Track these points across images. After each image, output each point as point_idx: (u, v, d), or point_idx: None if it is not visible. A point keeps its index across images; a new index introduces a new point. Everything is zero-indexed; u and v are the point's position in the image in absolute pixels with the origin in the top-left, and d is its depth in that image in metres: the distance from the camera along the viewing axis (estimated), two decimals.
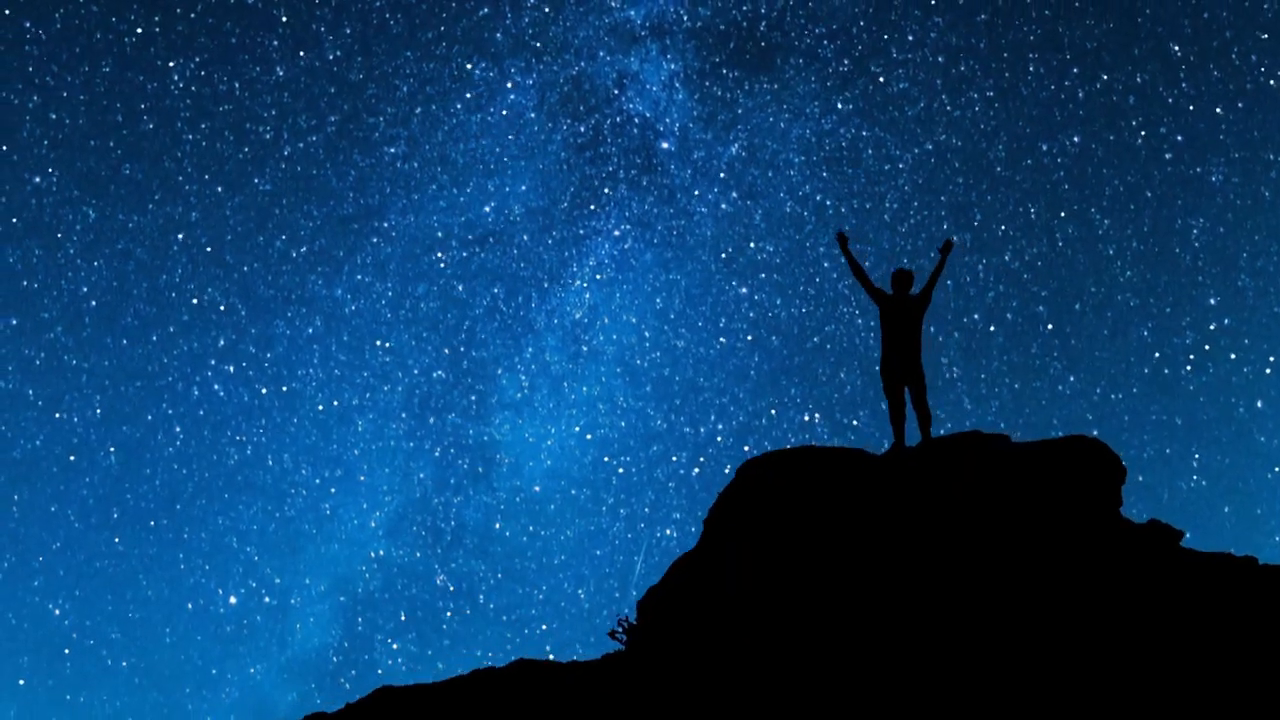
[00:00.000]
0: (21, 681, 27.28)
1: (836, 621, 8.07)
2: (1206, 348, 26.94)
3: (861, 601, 8.15)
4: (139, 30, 27.09)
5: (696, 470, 27.76)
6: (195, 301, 27.28)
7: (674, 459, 27.73)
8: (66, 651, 27.41)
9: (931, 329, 27.71)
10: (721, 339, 27.71)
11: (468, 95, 27.20)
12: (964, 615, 7.84)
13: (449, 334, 27.71)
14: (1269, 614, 7.66)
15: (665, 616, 9.36)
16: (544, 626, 27.62)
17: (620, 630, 9.66)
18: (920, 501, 8.83)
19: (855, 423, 27.60)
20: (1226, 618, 7.65)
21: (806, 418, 27.74)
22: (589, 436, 27.72)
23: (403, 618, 27.48)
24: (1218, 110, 26.44)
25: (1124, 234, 27.14)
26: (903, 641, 7.76)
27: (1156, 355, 27.11)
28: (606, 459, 27.72)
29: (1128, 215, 27.15)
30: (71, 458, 27.51)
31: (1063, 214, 27.26)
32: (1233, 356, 26.60)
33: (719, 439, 27.91)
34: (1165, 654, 7.38)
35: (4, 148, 27.06)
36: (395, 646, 27.29)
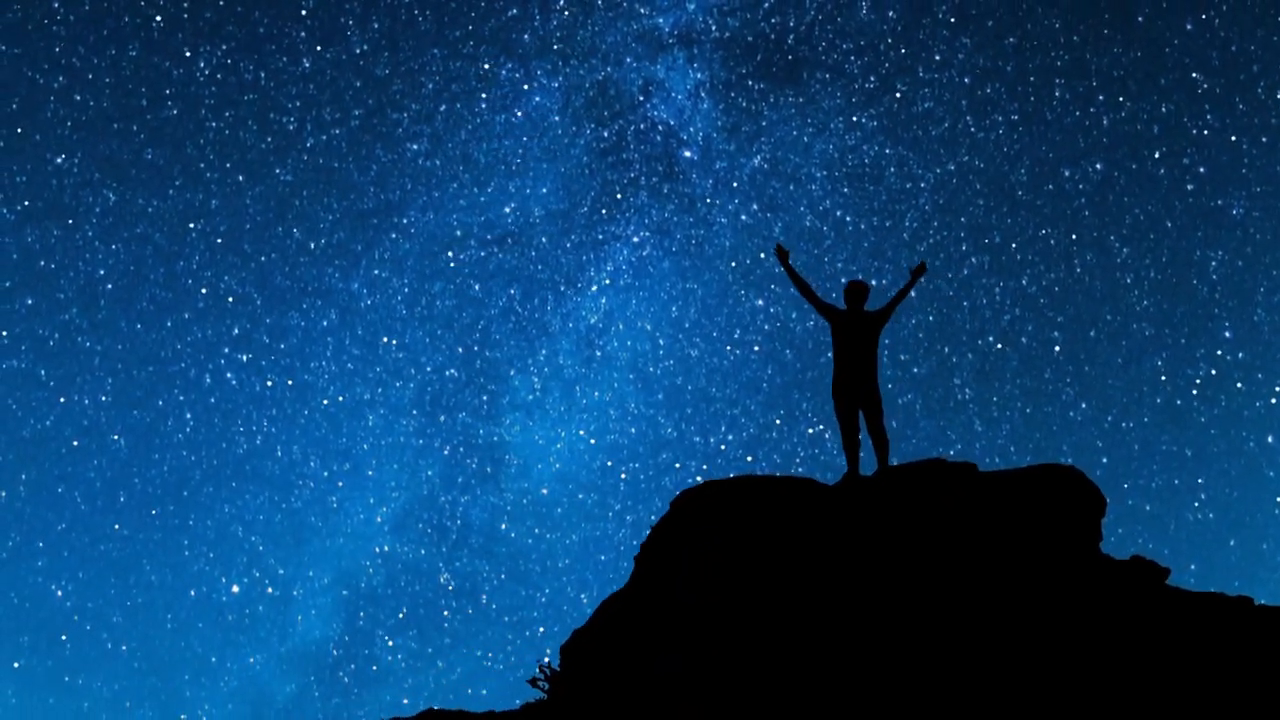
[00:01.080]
0: (16, 664, 27.74)
1: (775, 672, 7.57)
2: (1219, 379, 27.42)
3: (808, 647, 7.65)
4: (167, 15, 27.59)
5: (700, 479, 28.15)
6: (211, 289, 27.77)
7: (677, 466, 28.18)
8: (64, 637, 27.86)
9: (945, 349, 28.25)
10: (736, 350, 28.18)
11: (493, 95, 27.67)
12: (923, 661, 7.40)
13: (464, 332, 28.17)
14: (1260, 661, 7.18)
15: (592, 661, 8.74)
16: (542, 629, 28.08)
17: (541, 677, 9.05)
18: (874, 536, 8.29)
19: (863, 438, 28.05)
20: (1212, 665, 7.17)
21: (812, 431, 28.17)
22: (598, 442, 28.19)
23: (402, 614, 27.92)
24: (1242, 144, 26.93)
25: (1142, 263, 27.61)
26: (851, 697, 7.27)
27: (1169, 386, 27.58)
28: (612, 464, 28.17)
29: (1147, 244, 27.62)
30: (80, 440, 27.98)
31: (1082, 240, 27.76)
32: (1245, 390, 27.07)
33: (725, 449, 28.35)
34: (1141, 705, 6.89)
35: (26, 128, 27.56)
36: (396, 643, 27.76)
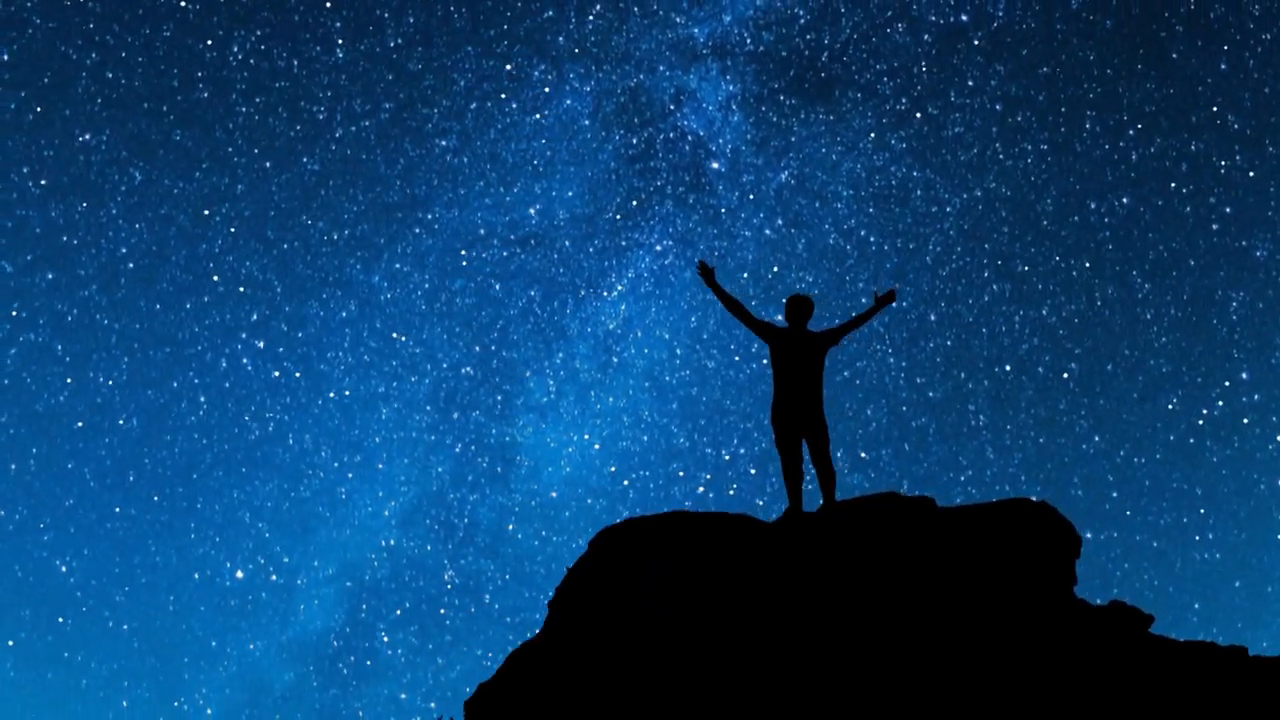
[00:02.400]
0: (11, 642, 28.38)
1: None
2: (1233, 420, 28.06)
3: (739, 709, 7.08)
4: None
5: (712, 494, 28.87)
6: (232, 274, 28.41)
7: (681, 474, 28.80)
8: (65, 614, 28.48)
9: (961, 375, 28.93)
10: (752, 363, 28.83)
11: (524, 96, 28.20)
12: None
13: (481, 331, 28.71)
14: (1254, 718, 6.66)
15: (501, 718, 8.16)
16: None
17: None
18: (818, 580, 7.73)
19: (865, 455, 28.75)
20: None
21: None
22: (609, 448, 28.82)
23: (400, 611, 28.52)
24: (1269, 186, 27.57)
25: (1163, 300, 28.19)
26: None
27: (1183, 423, 28.19)
28: (623, 471, 28.79)
29: (1168, 281, 28.20)
30: (92, 417, 28.57)
31: (1104, 273, 28.40)
32: (1259, 432, 27.70)
33: (731, 460, 28.96)
34: None
35: (56, 103, 28.14)
36: (396, 637, 28.32)
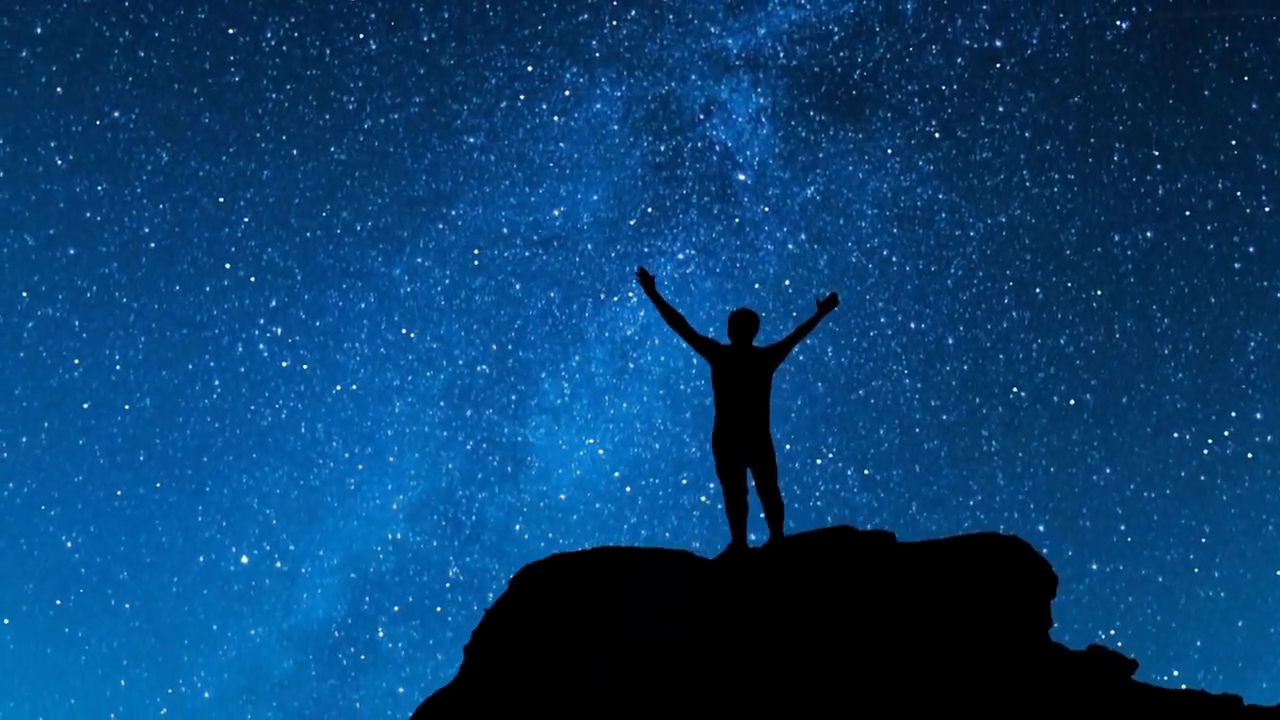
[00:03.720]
0: (6, 621, 28.82)
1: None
2: (1244, 460, 28.50)
3: None
4: None
5: (719, 505, 29.33)
6: (253, 259, 28.86)
7: (684, 481, 29.26)
8: (63, 596, 28.88)
9: (976, 400, 29.41)
10: None
11: (554, 97, 28.63)
12: None
13: (499, 330, 29.05)
14: None
15: None
16: None
17: None
18: (762, 622, 7.26)
19: (875, 475, 29.23)
20: None
21: (821, 462, 29.31)
22: (620, 453, 29.25)
23: (403, 604, 28.96)
24: None
25: (1181, 335, 28.61)
26: None
27: (1194, 460, 28.66)
28: (630, 477, 29.20)
29: (1188, 318, 28.63)
30: (106, 395, 28.93)
31: (1124, 306, 28.84)
32: (1270, 474, 28.15)
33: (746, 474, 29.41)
34: None
35: (87, 79, 28.56)
36: (397, 631, 28.72)
